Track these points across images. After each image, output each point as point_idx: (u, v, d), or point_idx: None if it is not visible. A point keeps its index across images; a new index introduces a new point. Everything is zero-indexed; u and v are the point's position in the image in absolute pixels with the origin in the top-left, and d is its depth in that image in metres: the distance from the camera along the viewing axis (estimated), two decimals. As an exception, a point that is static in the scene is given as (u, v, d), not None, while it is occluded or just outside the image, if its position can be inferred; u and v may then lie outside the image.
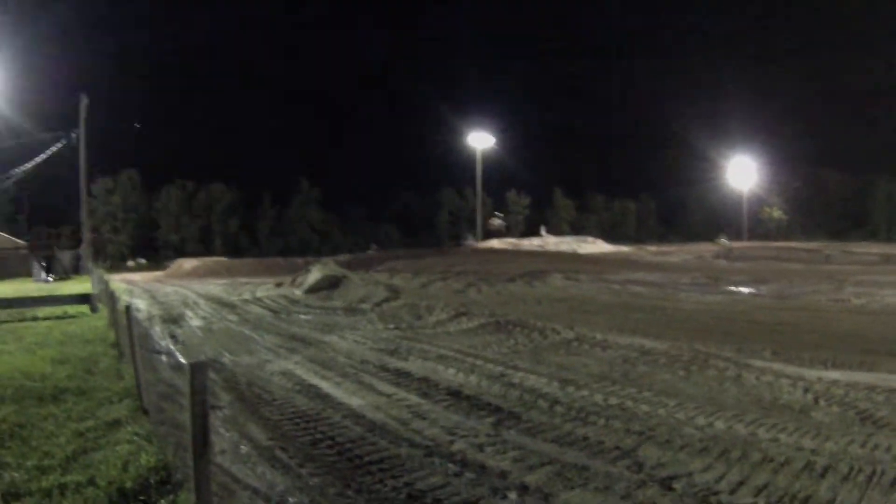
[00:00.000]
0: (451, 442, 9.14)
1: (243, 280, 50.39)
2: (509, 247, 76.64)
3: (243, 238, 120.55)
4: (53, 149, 64.80)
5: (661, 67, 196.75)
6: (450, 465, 8.21)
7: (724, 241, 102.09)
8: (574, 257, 56.28)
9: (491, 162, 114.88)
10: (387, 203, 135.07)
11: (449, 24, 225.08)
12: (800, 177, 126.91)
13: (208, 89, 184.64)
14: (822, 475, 7.41)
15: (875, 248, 57.34)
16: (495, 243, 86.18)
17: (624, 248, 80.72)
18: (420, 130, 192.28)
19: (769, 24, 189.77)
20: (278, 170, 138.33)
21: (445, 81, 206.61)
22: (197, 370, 5.62)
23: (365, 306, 26.22)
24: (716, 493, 7.05)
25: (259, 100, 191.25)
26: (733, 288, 29.66)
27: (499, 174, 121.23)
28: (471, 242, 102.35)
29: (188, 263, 76.55)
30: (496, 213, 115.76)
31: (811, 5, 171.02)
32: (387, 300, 26.77)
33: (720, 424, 9.37)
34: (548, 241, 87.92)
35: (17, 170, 67.66)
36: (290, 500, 7.29)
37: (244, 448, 9.17)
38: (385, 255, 55.90)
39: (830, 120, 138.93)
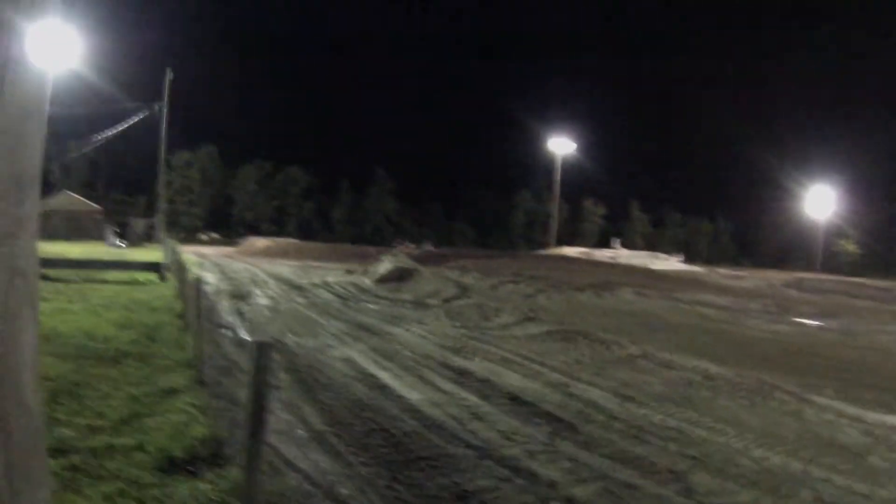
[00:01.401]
0: (505, 446, 9.16)
1: (314, 264, 50.57)
2: (582, 256, 76.29)
3: (317, 222, 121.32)
4: (134, 119, 65.59)
5: (747, 92, 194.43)
6: (501, 470, 8.24)
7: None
8: (645, 272, 55.82)
9: (570, 168, 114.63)
10: (462, 200, 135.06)
11: (540, 28, 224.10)
12: (878, 211, 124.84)
13: (292, 73, 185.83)
14: (871, 522, 7.31)
15: (948, 293, 56.25)
16: (567, 250, 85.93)
17: (695, 268, 79.86)
18: (501, 130, 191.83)
19: (856, 54, 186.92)
20: (355, 159, 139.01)
21: (531, 84, 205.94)
22: (262, 349, 5.68)
23: (433, 301, 26.35)
24: (761, 528, 6.98)
25: (342, 88, 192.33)
26: (801, 319, 29.30)
27: (577, 181, 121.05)
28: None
29: (260, 242, 77.16)
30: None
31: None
32: (456, 297, 26.90)
33: (776, 458, 9.30)
34: (620, 254, 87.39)
35: (98, 136, 68.63)
36: (339, 487, 7.33)
37: (298, 430, 9.26)
38: (456, 252, 55.92)
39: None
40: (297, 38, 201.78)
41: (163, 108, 66.55)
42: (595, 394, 12.57)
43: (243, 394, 5.85)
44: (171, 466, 7.25)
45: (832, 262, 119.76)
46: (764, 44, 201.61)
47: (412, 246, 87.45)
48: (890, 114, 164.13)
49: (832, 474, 8.73)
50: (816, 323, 28.27)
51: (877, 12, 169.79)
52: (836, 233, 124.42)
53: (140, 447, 7.69)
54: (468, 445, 9.12)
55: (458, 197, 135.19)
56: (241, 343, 15.08)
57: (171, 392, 10.23)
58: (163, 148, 69.38)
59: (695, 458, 9.15)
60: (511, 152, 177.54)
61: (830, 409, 12.17)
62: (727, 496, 7.83)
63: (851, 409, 12.20)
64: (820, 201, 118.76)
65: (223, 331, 15.61)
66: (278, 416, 9.71)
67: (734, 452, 9.51)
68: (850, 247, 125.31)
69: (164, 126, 67.51)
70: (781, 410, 12.14)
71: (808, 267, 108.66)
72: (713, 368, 15.24)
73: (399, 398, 11.51)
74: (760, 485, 8.22)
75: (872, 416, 11.86)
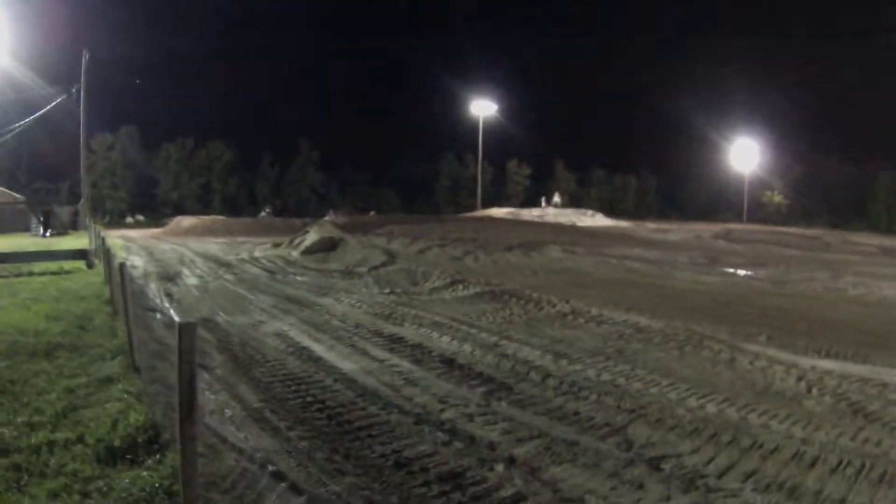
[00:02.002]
0: (442, 410, 9.18)
1: (241, 239, 50.38)
2: (509, 216, 76.63)
3: (242, 197, 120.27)
4: (53, 104, 64.57)
5: (668, 46, 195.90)
6: (439, 434, 8.24)
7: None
8: (572, 229, 56.23)
9: (493, 130, 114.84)
10: (386, 168, 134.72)
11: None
12: (802, 162, 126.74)
13: (210, 48, 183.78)
14: (811, 465, 7.41)
15: (875, 240, 57.15)
16: (494, 211, 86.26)
17: (623, 223, 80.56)
18: (423, 96, 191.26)
19: (778, 10, 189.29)
20: (279, 130, 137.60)
21: (450, 47, 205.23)
22: (186, 330, 5.56)
23: (361, 270, 26.30)
24: (703, 477, 7.05)
25: (261, 59, 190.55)
26: (730, 269, 29.61)
27: (501, 143, 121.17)
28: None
29: (186, 221, 76.41)
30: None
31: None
32: (383, 264, 26.87)
33: (712, 407, 9.37)
34: (547, 212, 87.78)
35: (17, 124, 67.42)
36: (278, 462, 7.28)
37: (234, 409, 9.18)
38: (383, 219, 55.89)
39: (837, 108, 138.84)
40: (213, 11, 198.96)
41: (81, 91, 65.56)
42: (527, 352, 12.63)
43: (176, 377, 5.77)
44: (112, 457, 7.18)
45: (759, 213, 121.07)
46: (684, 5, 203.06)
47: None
48: (812, 68, 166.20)
49: (770, 420, 8.81)
50: (746, 273, 28.57)
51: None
52: (761, 185, 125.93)
53: (80, 440, 7.63)
54: (404, 412, 9.10)
55: (382, 164, 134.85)
56: (170, 325, 14.95)
57: (107, 381, 10.13)
58: (83, 132, 68.42)
59: (631, 410, 9.22)
60: (434, 117, 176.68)
61: (763, 356, 12.31)
62: (667, 447, 7.86)
63: (784, 356, 12.35)
64: (744, 154, 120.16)
65: (153, 314, 15.52)
66: (214, 396, 9.67)
67: (670, 403, 9.58)
68: (777, 198, 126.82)
69: (83, 109, 66.55)
70: (714, 360, 12.26)
71: (736, 219, 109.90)
72: (643, 321, 15.43)
73: (333, 369, 11.46)
74: (700, 434, 8.28)
75: (805, 361, 12.02)
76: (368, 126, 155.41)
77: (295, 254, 33.56)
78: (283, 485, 6.73)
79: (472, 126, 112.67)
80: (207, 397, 9.49)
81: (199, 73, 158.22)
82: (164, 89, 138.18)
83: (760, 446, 7.90)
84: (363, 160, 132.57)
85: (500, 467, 7.25)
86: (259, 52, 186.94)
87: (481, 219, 65.42)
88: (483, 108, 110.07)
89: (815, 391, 10.30)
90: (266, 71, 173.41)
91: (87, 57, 65.38)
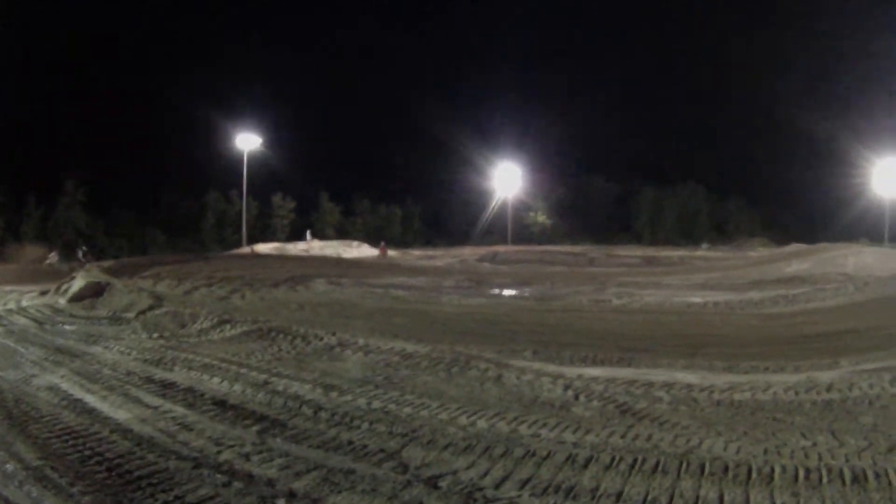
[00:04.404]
0: (219, 452, 9.12)
1: (7, 288, 48.36)
2: (275, 251, 76.93)
3: (9, 242, 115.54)
4: None
5: (425, 71, 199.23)
6: (218, 476, 8.20)
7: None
8: (338, 262, 56.69)
9: (258, 164, 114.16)
10: (153, 206, 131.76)
11: (221, 21, 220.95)
12: (564, 183, 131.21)
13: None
14: (585, 466, 7.70)
15: (638, 251, 59.77)
16: (260, 247, 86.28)
17: (390, 253, 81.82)
18: (186, 131, 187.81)
19: (538, 31, 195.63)
20: (43, 170, 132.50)
21: (212, 79, 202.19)
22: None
23: (129, 315, 25.65)
24: (480, 489, 7.24)
25: (22, 93, 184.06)
26: (496, 291, 30.33)
27: (266, 177, 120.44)
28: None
29: (-51, 275, 73.22)
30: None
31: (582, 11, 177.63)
32: (151, 308, 26.26)
33: (482, 423, 9.65)
34: (312, 246, 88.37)
35: None
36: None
37: (13, 469, 8.91)
38: (150, 259, 55.06)
39: (597, 130, 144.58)
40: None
41: None
42: (298, 387, 12.69)
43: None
44: None
45: (525, 234, 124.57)
46: (449, 26, 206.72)
47: None
48: (573, 90, 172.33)
49: (539, 429, 9.13)
50: (512, 292, 29.38)
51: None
52: (525, 207, 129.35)
53: None
54: (182, 457, 9.00)
55: (148, 203, 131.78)
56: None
57: None
58: None
59: (404, 434, 9.39)
60: (198, 152, 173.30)
61: (530, 370, 12.71)
62: (442, 465, 8.07)
63: (551, 367, 12.82)
64: (507, 177, 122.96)
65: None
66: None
67: (441, 423, 9.82)
68: (541, 218, 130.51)
69: None
70: (482, 378, 12.57)
71: (502, 241, 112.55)
72: (410, 347, 15.63)
73: (108, 420, 11.18)
74: (473, 450, 8.51)
75: (571, 370, 12.51)
76: (133, 162, 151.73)
77: (62, 301, 32.39)
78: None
79: (238, 160, 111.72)
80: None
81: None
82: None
83: (533, 454, 8.18)
84: (129, 198, 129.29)
85: (281, 502, 7.33)
86: (20, 85, 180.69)
87: (247, 256, 65.51)
88: (247, 141, 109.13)
89: (582, 397, 10.74)
90: (29, 106, 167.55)
91: None
